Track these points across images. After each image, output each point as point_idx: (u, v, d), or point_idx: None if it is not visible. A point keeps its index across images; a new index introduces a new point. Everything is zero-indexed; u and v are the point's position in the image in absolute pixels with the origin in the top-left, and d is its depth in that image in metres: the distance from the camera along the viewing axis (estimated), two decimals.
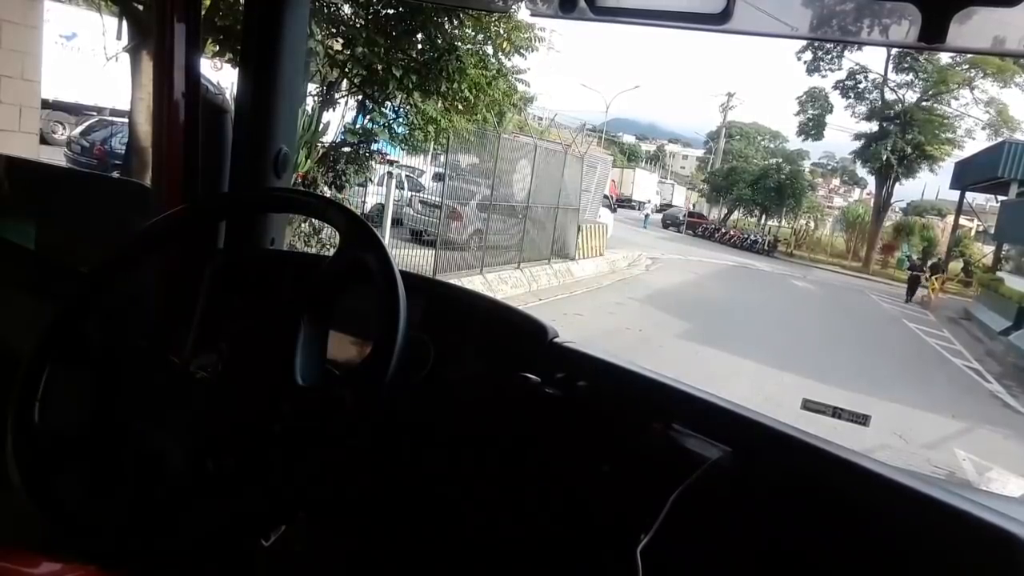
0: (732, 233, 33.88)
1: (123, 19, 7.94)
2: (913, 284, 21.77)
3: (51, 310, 0.98)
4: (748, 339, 10.16)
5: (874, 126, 32.67)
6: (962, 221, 32.18)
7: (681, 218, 37.42)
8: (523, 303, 9.52)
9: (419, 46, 8.66)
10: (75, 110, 16.13)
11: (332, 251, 0.95)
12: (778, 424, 0.95)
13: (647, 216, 37.77)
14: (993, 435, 7.78)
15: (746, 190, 36.44)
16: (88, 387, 0.97)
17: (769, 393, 6.75)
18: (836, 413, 1.57)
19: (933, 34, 0.89)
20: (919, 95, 31.71)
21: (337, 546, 1.15)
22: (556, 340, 1.11)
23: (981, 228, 34.88)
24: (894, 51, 28.13)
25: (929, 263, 24.44)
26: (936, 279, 22.49)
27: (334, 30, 8.40)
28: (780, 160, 41.95)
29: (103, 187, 2.08)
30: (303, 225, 7.68)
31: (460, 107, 9.24)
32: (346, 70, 8.52)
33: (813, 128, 35.53)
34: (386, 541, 1.15)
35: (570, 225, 14.02)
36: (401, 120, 9.43)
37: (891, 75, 32.19)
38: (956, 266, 26.89)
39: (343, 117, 9.80)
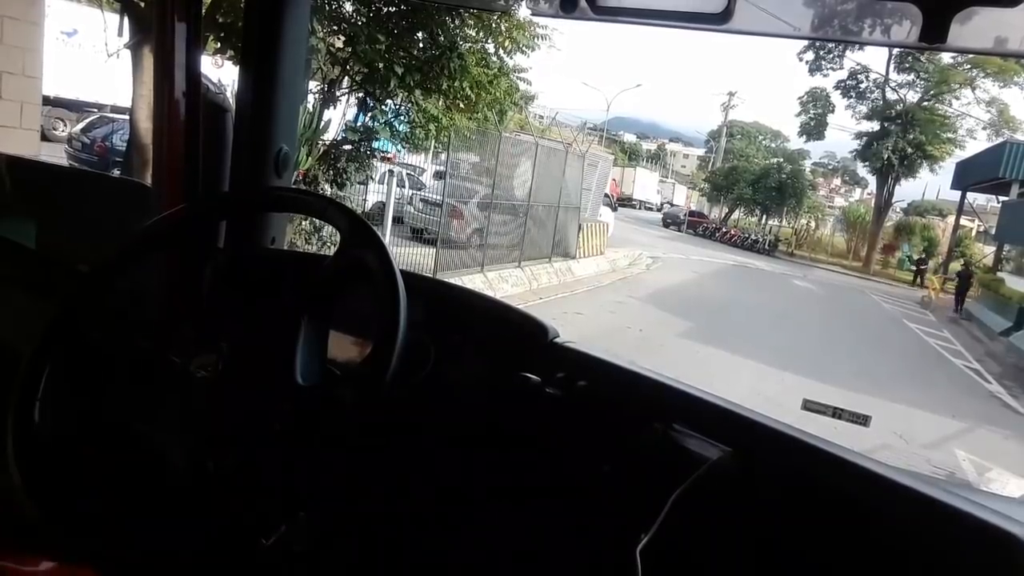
0: (733, 232, 33.82)
1: (124, 16, 7.92)
2: (965, 288, 20.40)
3: (51, 310, 0.98)
4: (749, 339, 10.16)
5: (875, 126, 32.61)
6: (963, 221, 32.13)
7: (682, 217, 37.37)
8: (524, 302, 9.53)
9: (420, 44, 8.65)
10: (76, 107, 16.11)
11: (332, 249, 0.94)
12: (778, 424, 0.95)
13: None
14: (993, 435, 7.79)
15: (747, 189, 36.38)
16: (88, 387, 0.97)
17: (770, 394, 6.75)
18: (836, 413, 1.57)
19: (934, 34, 0.89)
20: (920, 95, 31.65)
21: (337, 546, 1.15)
22: (556, 340, 1.11)
23: (982, 228, 34.85)
24: (895, 51, 28.07)
25: (962, 263, 24.15)
26: (937, 278, 22.48)
27: (335, 27, 8.38)
28: (781, 159, 41.85)
29: (104, 186, 2.08)
30: (304, 223, 7.68)
31: (461, 105, 9.22)
32: (347, 68, 8.50)
33: (815, 128, 35.51)
34: (386, 541, 1.15)
35: (571, 224, 14.01)
36: (402, 118, 9.41)
37: (892, 75, 32.17)
38: (956, 266, 26.87)
39: (344, 115, 9.79)
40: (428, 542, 1.12)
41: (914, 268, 28.19)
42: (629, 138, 66.89)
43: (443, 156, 10.98)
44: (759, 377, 7.88)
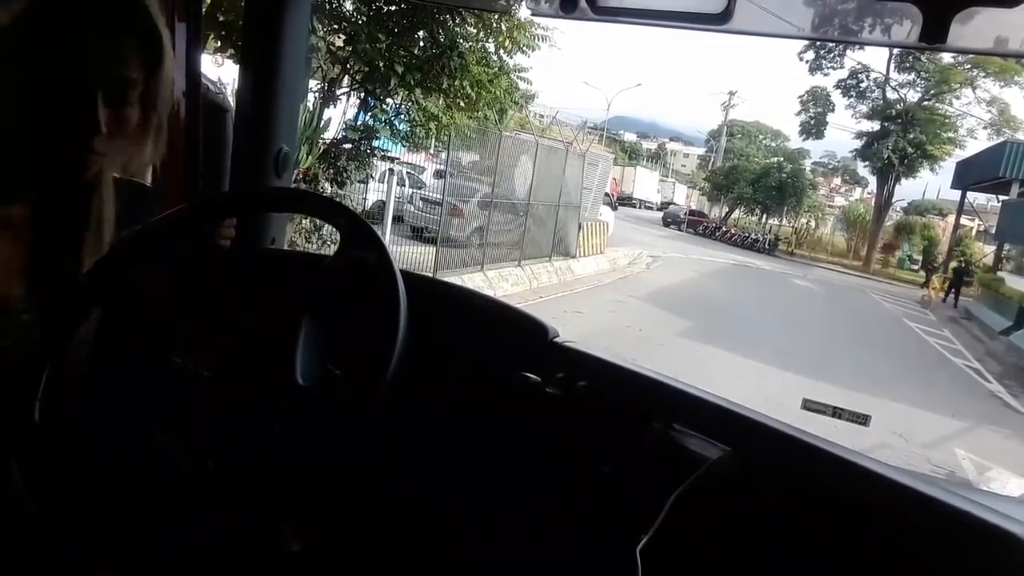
0: (733, 232, 33.82)
1: None
2: (959, 283, 21.93)
3: (51, 309, 0.98)
4: (749, 338, 10.17)
5: (876, 125, 32.60)
6: (963, 221, 32.14)
7: (682, 216, 37.37)
8: (524, 301, 9.53)
9: (421, 43, 8.66)
10: None
11: (332, 248, 0.94)
12: (778, 424, 0.95)
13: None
14: (993, 435, 7.79)
15: (747, 189, 36.37)
16: (88, 387, 0.97)
17: (770, 392, 6.75)
18: (836, 413, 1.57)
19: (934, 34, 0.89)
20: (921, 94, 31.64)
21: (337, 546, 1.15)
22: (556, 340, 1.11)
23: (982, 228, 34.86)
24: (896, 50, 28.02)
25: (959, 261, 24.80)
26: (937, 278, 22.60)
27: (336, 26, 8.39)
28: (781, 159, 41.84)
29: None
30: (304, 222, 7.68)
31: (462, 104, 9.23)
32: (347, 66, 8.51)
33: (815, 127, 35.49)
34: (386, 541, 1.15)
35: (571, 223, 14.01)
36: (403, 117, 9.41)
37: (893, 74, 32.18)
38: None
39: (344, 114, 9.79)
40: (428, 542, 1.12)
41: (925, 270, 28.03)
42: (629, 137, 66.89)
43: (443, 155, 10.98)
44: (759, 376, 7.87)
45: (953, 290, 21.72)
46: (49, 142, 0.90)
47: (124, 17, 0.90)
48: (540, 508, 1.04)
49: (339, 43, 8.38)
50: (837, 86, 33.86)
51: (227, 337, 0.97)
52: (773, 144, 51.75)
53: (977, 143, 30.46)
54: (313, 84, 8.48)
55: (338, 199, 1.38)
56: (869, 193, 41.04)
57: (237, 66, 1.39)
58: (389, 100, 9.02)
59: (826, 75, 33.75)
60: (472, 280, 9.82)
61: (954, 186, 29.41)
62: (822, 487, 0.88)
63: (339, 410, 0.85)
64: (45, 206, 0.96)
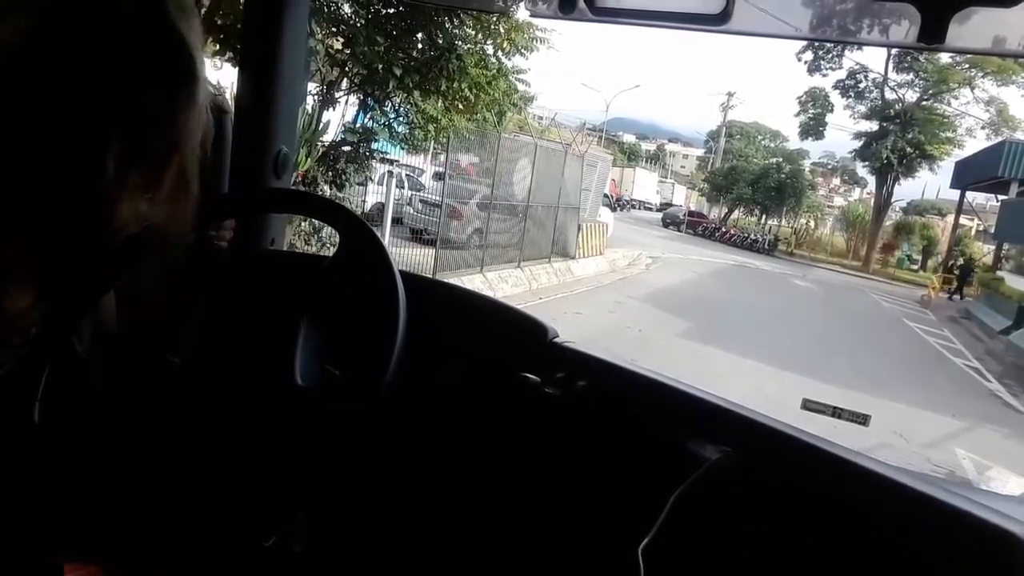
0: (732, 232, 33.81)
1: None
2: (964, 280, 22.97)
3: (51, 309, 0.98)
4: (748, 338, 10.16)
5: (874, 125, 32.61)
6: (962, 220, 32.18)
7: (681, 217, 37.40)
8: (523, 302, 9.53)
9: (419, 45, 8.66)
10: None
11: (332, 249, 0.95)
12: (778, 424, 0.95)
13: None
14: (993, 434, 7.80)
15: (746, 189, 36.43)
16: (87, 387, 0.97)
17: (770, 392, 6.75)
18: (836, 413, 1.57)
19: (933, 34, 0.89)
20: (919, 94, 31.66)
21: (337, 546, 1.15)
22: (556, 340, 1.11)
23: (981, 227, 34.89)
24: (894, 51, 28.05)
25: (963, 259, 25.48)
26: (937, 277, 22.72)
27: (334, 29, 8.39)
28: (780, 159, 41.90)
29: None
30: (303, 224, 7.68)
31: (460, 106, 9.22)
32: (346, 69, 8.51)
33: (814, 128, 35.51)
34: (386, 541, 1.15)
35: (570, 224, 14.02)
36: (401, 119, 9.41)
37: (891, 74, 32.18)
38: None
39: (343, 116, 9.79)
40: (427, 541, 1.12)
41: (945, 270, 27.84)
42: (628, 138, 66.82)
43: (442, 157, 10.98)
44: (759, 376, 7.87)
45: (958, 286, 22.19)
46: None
47: (147, 31, 0.65)
48: (540, 508, 1.04)
49: (337, 46, 8.37)
50: (836, 87, 33.92)
51: (227, 337, 0.97)
52: (772, 145, 51.76)
53: (976, 143, 30.51)
54: (312, 87, 8.48)
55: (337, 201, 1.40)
56: (868, 193, 41.03)
57: (236, 69, 1.39)
58: (388, 102, 9.01)
59: (825, 76, 33.79)
60: (471, 281, 9.82)
61: (953, 186, 29.42)
62: (822, 487, 0.88)
63: (338, 410, 0.85)
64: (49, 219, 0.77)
